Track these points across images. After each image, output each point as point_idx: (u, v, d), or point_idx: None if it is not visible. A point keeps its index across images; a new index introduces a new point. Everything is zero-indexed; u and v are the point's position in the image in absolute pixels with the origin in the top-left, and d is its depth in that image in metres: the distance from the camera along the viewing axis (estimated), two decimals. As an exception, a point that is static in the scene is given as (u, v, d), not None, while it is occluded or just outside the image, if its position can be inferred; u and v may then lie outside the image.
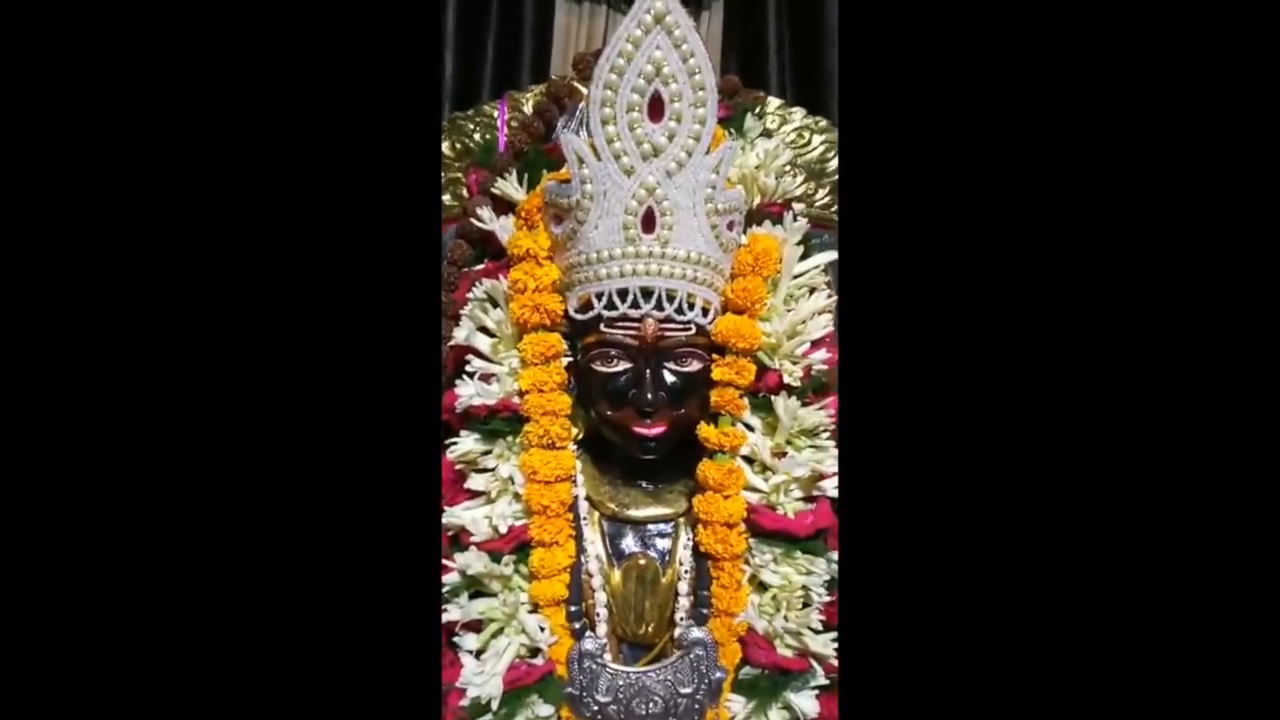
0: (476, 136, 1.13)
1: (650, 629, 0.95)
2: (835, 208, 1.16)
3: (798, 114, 1.16)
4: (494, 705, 0.87)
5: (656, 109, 0.81)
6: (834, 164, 1.16)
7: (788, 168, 1.07)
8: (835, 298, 1.08)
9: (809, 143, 1.16)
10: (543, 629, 0.91)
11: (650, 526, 0.97)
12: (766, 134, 1.08)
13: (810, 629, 0.91)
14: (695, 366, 0.91)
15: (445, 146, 1.13)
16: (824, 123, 1.17)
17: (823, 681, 0.94)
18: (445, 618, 0.90)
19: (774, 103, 1.16)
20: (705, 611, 0.93)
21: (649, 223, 0.83)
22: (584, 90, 1.05)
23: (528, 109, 1.11)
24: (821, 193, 1.16)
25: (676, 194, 0.83)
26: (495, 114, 1.14)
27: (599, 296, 0.86)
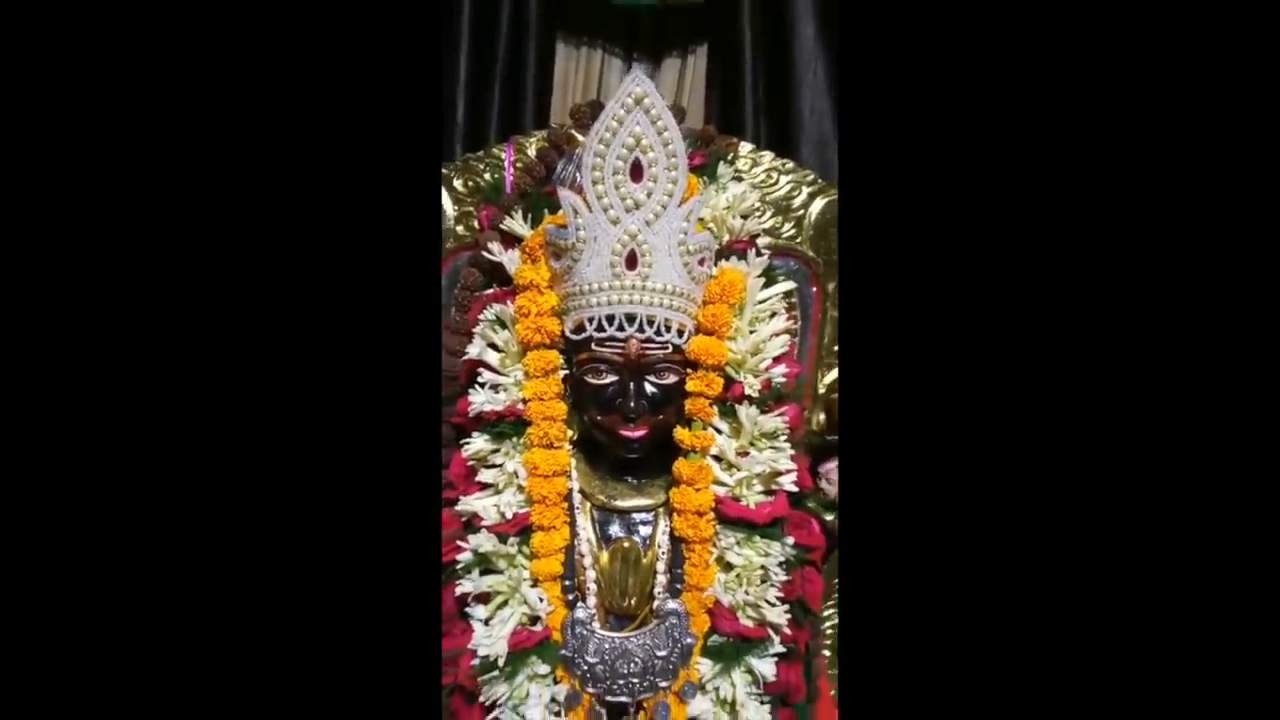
0: (486, 175, 1.26)
1: (633, 602, 1.07)
2: (800, 239, 1.30)
3: (766, 157, 1.29)
4: (500, 663, 1.01)
5: (637, 172, 0.97)
6: (799, 200, 1.30)
7: (757, 206, 1.21)
8: (796, 322, 1.24)
9: (776, 182, 1.29)
10: (541, 600, 1.03)
11: (634, 515, 1.10)
12: (738, 178, 1.22)
13: (768, 602, 1.04)
14: (672, 379, 1.05)
15: (458, 184, 1.27)
16: (790, 164, 1.30)
17: (779, 649, 1.06)
18: (458, 590, 1.04)
19: (746, 148, 1.29)
20: (679, 587, 1.06)
21: (632, 261, 0.98)
22: (580, 137, 1.19)
23: (531, 152, 1.24)
24: (787, 226, 1.30)
25: (654, 239, 0.98)
26: (503, 155, 1.27)
27: (590, 320, 1.01)
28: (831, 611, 1.38)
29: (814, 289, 1.30)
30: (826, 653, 1.37)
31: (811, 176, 1.31)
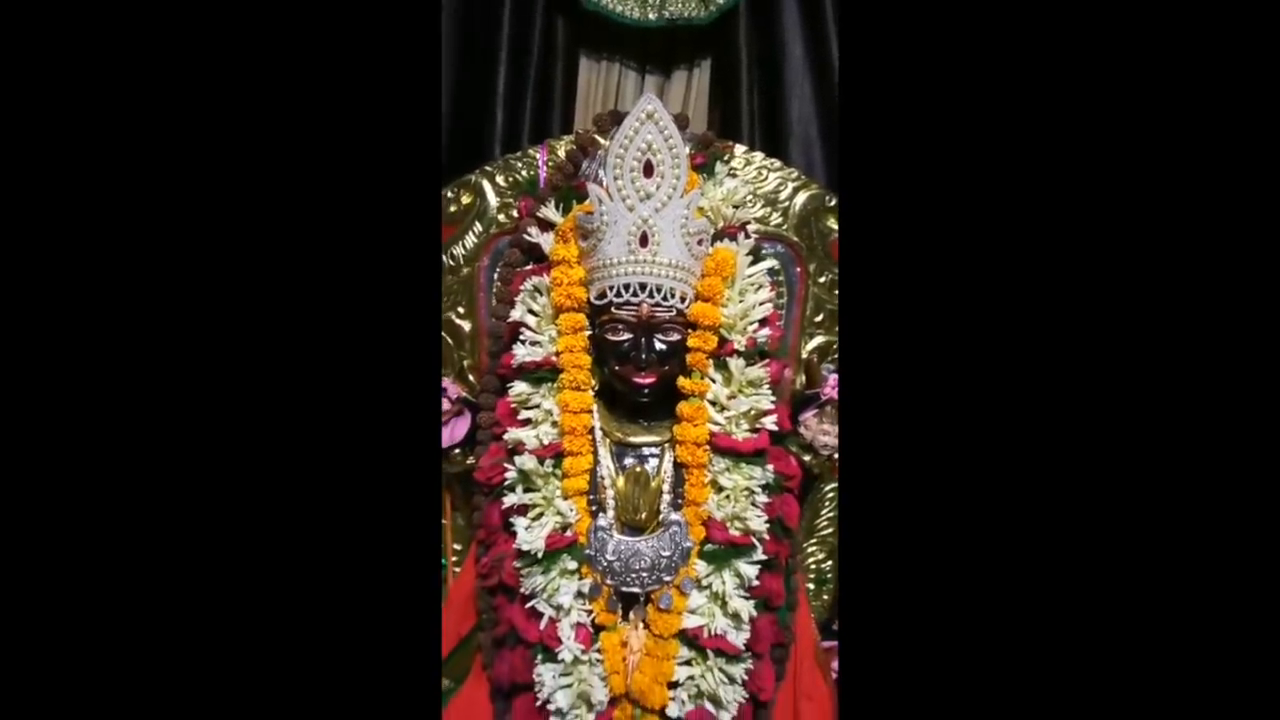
0: (523, 172, 1.49)
1: (643, 517, 1.27)
2: (785, 226, 1.51)
3: (757, 157, 1.50)
4: (539, 557, 1.24)
5: (648, 170, 1.20)
6: (785, 194, 1.51)
7: (747, 198, 1.44)
8: (778, 293, 1.45)
9: (765, 179, 1.50)
10: (571, 510, 1.23)
11: (644, 449, 1.30)
12: (732, 174, 1.44)
13: (751, 516, 1.26)
14: (676, 337, 1.24)
15: (500, 179, 1.49)
16: (778, 163, 1.51)
17: (761, 558, 1.25)
18: (504, 504, 1.27)
19: (740, 149, 1.50)
20: (680, 503, 1.26)
21: (644, 241, 1.19)
22: (601, 141, 1.43)
23: (561, 153, 1.46)
24: (775, 215, 1.51)
25: (662, 223, 1.20)
26: (537, 155, 1.49)
27: (610, 288, 1.21)
28: (814, 547, 1.62)
29: (798, 268, 1.50)
30: (810, 585, 1.60)
31: (796, 173, 1.51)
